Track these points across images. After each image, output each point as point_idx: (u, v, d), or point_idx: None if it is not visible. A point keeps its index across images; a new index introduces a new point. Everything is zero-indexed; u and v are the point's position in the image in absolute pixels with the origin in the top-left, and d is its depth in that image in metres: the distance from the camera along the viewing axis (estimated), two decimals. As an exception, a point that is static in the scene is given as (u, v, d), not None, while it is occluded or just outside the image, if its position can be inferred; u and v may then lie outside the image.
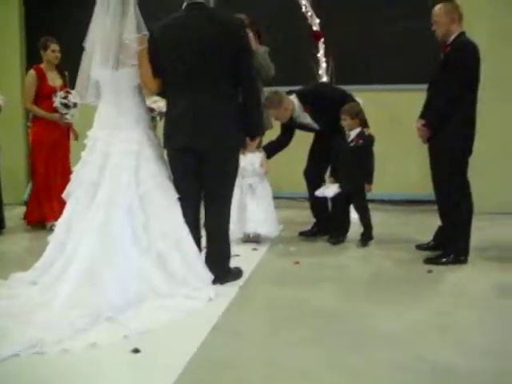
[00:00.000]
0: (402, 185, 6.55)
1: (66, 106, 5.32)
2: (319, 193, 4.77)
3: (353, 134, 4.59)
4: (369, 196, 6.47)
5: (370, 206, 6.39)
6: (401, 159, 6.36)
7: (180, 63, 3.35)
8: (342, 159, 4.63)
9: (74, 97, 5.30)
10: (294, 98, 4.81)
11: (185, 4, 3.46)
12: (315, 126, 4.86)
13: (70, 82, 5.35)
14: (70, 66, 5.25)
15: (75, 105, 5.33)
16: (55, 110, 5.36)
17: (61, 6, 8.25)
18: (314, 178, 4.95)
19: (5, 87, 6.02)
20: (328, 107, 4.73)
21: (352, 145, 4.58)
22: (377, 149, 6.08)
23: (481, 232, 4.77)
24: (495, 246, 4.66)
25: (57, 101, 5.32)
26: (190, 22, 3.38)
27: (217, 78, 3.36)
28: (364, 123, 4.64)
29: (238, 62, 3.35)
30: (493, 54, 5.49)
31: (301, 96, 4.82)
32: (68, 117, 5.38)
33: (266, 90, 4.92)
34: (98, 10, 3.39)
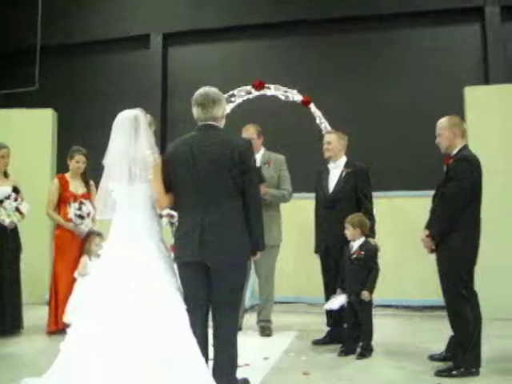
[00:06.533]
0: (418, 290, 6.55)
1: (81, 216, 5.58)
2: (327, 306, 4.80)
3: (356, 244, 4.68)
4: (385, 302, 6.51)
5: (387, 311, 6.44)
6: (417, 264, 6.40)
7: (189, 180, 3.55)
8: (346, 270, 4.68)
9: (87, 207, 5.56)
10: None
11: (198, 125, 3.72)
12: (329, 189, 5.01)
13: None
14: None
15: (89, 215, 5.58)
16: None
17: (93, 117, 8.89)
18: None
19: (36, 191, 6.33)
20: (357, 184, 4.92)
21: (353, 257, 4.64)
22: (393, 254, 6.19)
23: (494, 340, 4.71)
24: (508, 355, 4.56)
25: (71, 212, 5.59)
26: (201, 141, 3.61)
27: (224, 196, 3.53)
28: (369, 233, 4.72)
29: (244, 181, 3.53)
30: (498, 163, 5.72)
31: (351, 161, 5.09)
32: (82, 227, 5.61)
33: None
34: (113, 130, 3.65)
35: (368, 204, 4.91)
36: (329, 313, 4.98)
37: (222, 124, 3.74)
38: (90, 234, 5.61)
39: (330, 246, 4.93)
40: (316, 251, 5.13)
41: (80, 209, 5.57)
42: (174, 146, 3.69)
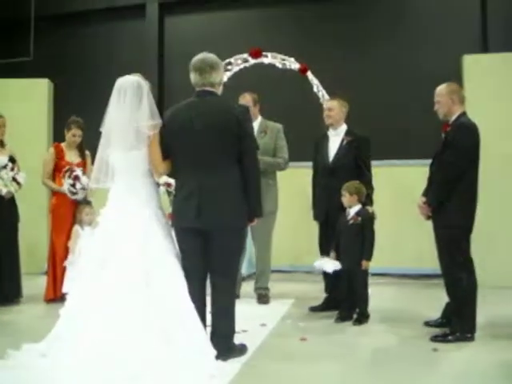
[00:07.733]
0: (415, 259, 6.59)
1: (73, 193, 5.54)
2: (317, 265, 4.76)
3: (352, 211, 4.68)
4: (382, 270, 6.55)
5: (384, 280, 6.49)
6: (414, 233, 6.43)
7: (187, 146, 3.55)
8: (342, 235, 4.70)
9: (81, 183, 5.51)
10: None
11: (196, 91, 3.69)
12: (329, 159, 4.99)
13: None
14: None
15: (83, 189, 5.53)
16: None
17: (89, 87, 8.84)
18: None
19: (32, 161, 6.29)
20: (358, 153, 4.90)
21: (350, 222, 4.65)
22: (390, 223, 6.20)
23: (489, 307, 4.75)
24: (504, 321, 4.63)
25: (65, 186, 5.54)
26: (198, 107, 3.59)
27: (221, 161, 3.54)
28: (366, 201, 4.72)
29: (241, 147, 3.53)
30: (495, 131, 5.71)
31: (352, 129, 5.05)
32: (76, 197, 5.57)
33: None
34: (114, 96, 3.63)
35: (367, 173, 4.91)
36: (327, 279, 5.01)
37: (219, 91, 3.72)
38: (80, 204, 5.59)
39: (329, 214, 4.92)
40: (315, 218, 5.13)
41: (74, 185, 5.52)
42: (172, 112, 3.69)
